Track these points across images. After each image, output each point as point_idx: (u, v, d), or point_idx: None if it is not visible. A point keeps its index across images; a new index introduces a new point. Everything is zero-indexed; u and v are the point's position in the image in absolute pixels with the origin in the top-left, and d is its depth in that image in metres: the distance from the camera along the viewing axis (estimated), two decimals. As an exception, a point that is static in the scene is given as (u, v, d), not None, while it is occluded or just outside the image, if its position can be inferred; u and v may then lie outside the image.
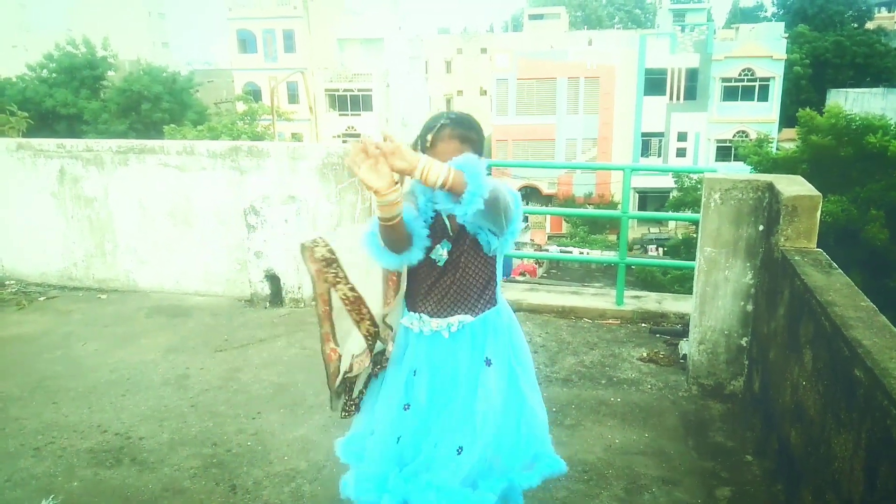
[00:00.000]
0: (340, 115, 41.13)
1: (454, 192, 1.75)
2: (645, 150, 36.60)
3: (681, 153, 35.81)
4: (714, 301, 3.58)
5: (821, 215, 3.19)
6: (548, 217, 36.01)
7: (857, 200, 14.99)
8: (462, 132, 1.98)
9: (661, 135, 36.37)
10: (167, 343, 4.53)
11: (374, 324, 2.16)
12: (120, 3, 55.10)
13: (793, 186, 3.22)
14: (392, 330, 2.18)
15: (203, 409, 3.61)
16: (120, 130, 30.81)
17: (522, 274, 25.01)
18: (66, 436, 3.35)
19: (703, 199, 3.50)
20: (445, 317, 2.11)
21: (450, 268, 2.09)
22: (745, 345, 3.58)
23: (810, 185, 3.29)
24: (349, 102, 41.05)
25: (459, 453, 2.08)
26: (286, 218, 4.98)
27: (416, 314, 2.15)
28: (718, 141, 35.33)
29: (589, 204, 34.32)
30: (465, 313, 2.12)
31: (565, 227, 33.56)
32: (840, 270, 2.86)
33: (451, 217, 2.03)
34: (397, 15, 43.16)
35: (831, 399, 2.33)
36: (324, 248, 2.13)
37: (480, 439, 2.08)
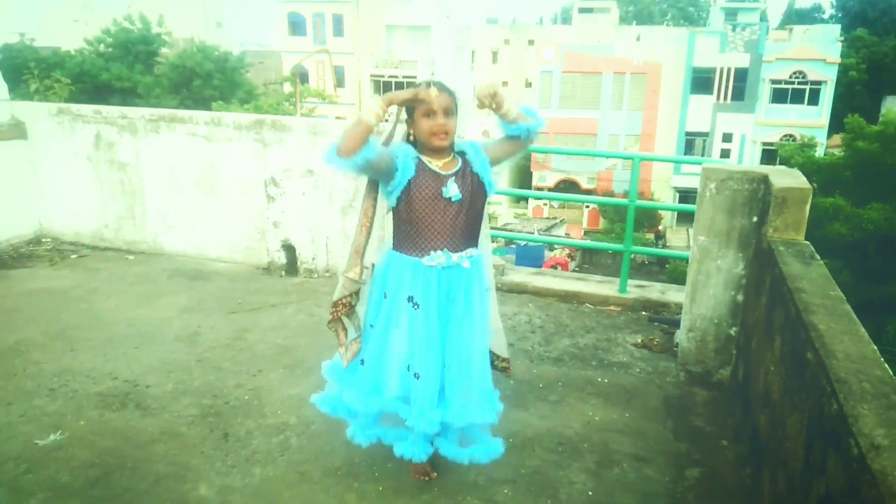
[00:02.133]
0: (385, 100, 41.38)
1: (519, 121, 2.45)
2: (689, 149, 35.98)
3: (725, 154, 35.11)
4: (705, 290, 3.62)
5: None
6: (585, 212, 35.77)
7: (901, 209, 14.58)
8: (446, 88, 2.44)
9: (705, 134, 35.74)
10: (184, 303, 4.76)
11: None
12: (176, -18, 56.22)
13: (785, 178, 3.25)
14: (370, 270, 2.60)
15: (208, 365, 3.81)
16: (171, 105, 31.37)
17: (554, 267, 24.94)
18: (79, 380, 3.58)
19: (699, 189, 3.54)
20: (462, 250, 2.49)
21: (464, 205, 2.47)
22: (733, 335, 3.62)
23: (804, 178, 3.31)
24: (394, 89, 41.06)
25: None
26: (304, 191, 5.16)
27: (440, 251, 2.45)
28: (764, 144, 34.53)
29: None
30: (473, 247, 2.54)
31: (602, 224, 33.31)
32: (822, 262, 2.89)
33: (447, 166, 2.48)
34: (445, 3, 43.14)
35: (790, 383, 2.39)
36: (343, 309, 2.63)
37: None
